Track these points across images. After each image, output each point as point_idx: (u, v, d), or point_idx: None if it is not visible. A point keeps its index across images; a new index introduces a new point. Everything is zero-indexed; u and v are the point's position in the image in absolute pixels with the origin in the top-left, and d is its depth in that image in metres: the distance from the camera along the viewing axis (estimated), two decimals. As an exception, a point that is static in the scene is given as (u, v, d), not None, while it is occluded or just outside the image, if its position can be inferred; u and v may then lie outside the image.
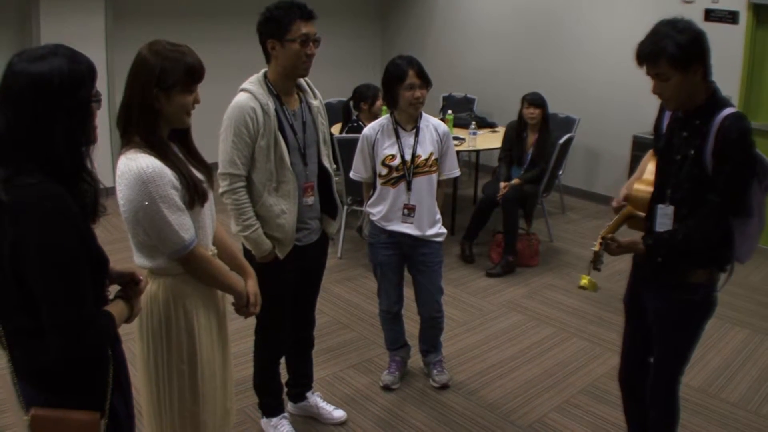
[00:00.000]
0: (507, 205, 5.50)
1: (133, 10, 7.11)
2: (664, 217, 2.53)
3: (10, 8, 6.51)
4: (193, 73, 2.13)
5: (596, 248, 2.59)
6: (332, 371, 3.98)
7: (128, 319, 1.95)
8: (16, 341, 1.75)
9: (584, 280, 2.67)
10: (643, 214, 2.64)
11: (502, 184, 5.61)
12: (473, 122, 6.46)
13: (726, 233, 2.46)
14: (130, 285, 1.98)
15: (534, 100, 5.71)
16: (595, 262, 2.61)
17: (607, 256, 2.61)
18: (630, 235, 2.62)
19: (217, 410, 2.39)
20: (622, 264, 2.83)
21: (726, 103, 2.41)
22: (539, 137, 5.73)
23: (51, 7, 6.41)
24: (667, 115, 2.63)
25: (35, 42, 6.32)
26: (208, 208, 2.29)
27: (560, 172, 6.63)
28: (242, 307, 2.45)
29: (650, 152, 2.76)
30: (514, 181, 5.61)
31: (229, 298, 2.47)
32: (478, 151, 6.60)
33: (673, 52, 2.29)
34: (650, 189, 2.63)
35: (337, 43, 8.75)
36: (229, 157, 2.81)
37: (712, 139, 2.36)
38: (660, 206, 2.55)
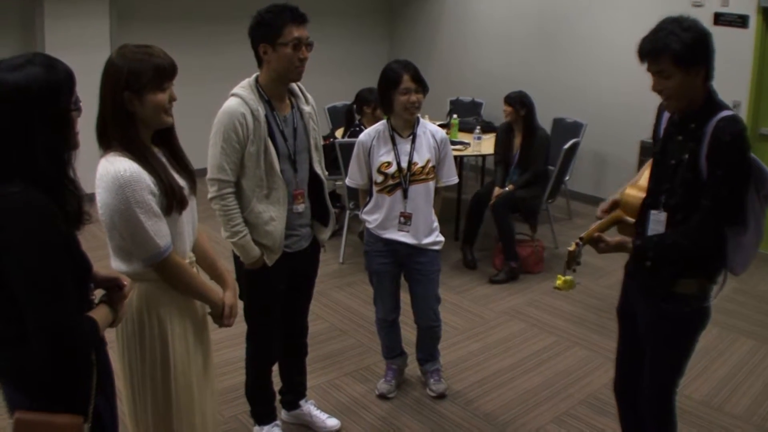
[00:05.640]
0: (497, 212, 5.46)
1: (137, 14, 7.11)
2: (657, 224, 2.47)
3: (14, 12, 6.52)
4: (162, 72, 2.10)
5: (572, 248, 2.55)
6: (328, 378, 3.93)
7: (112, 324, 1.95)
8: (1, 346, 1.76)
9: (559, 281, 2.62)
10: (632, 219, 2.59)
11: (496, 190, 5.59)
12: (478, 127, 6.40)
13: (719, 242, 2.39)
14: (115, 290, 1.98)
15: (507, 98, 5.64)
16: (570, 263, 2.57)
17: (597, 257, 2.57)
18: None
19: (195, 420, 2.35)
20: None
21: (722, 106, 2.35)
22: (524, 139, 5.65)
23: (55, 10, 6.41)
24: (664, 120, 2.58)
25: (39, 46, 6.33)
26: (188, 215, 2.26)
27: (567, 178, 6.56)
28: (218, 317, 2.43)
29: (651, 160, 2.70)
30: (508, 187, 5.57)
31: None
32: (484, 156, 6.54)
33: (676, 49, 2.24)
34: (642, 195, 2.57)
35: (344, 45, 8.73)
36: (217, 163, 2.78)
37: (706, 142, 2.30)
38: (653, 212, 2.49)
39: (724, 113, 2.32)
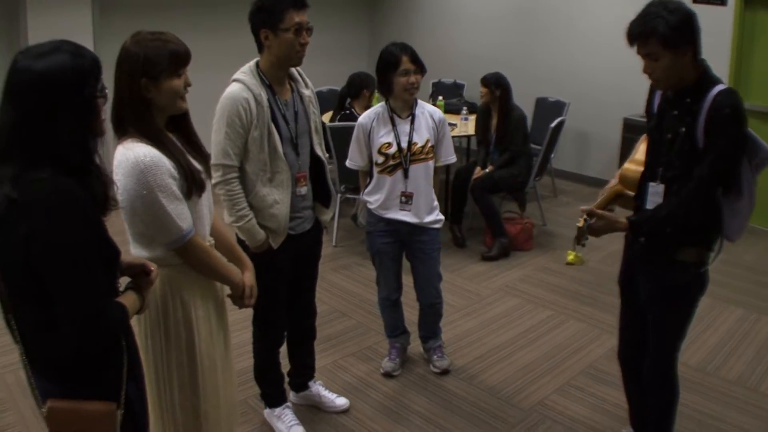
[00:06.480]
0: (475, 194, 5.58)
1: (120, 3, 7.03)
2: (655, 196, 2.55)
3: (-3, 4, 6.44)
4: (178, 58, 2.12)
5: (580, 224, 2.63)
6: (333, 359, 3.98)
7: (140, 310, 1.95)
8: (30, 335, 1.75)
9: (571, 256, 2.72)
10: (632, 193, 2.67)
11: (477, 170, 5.70)
12: (465, 108, 6.46)
13: (714, 211, 2.47)
14: (141, 276, 1.98)
15: (483, 79, 5.71)
16: (579, 238, 2.65)
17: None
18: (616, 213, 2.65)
19: (220, 402, 2.38)
20: (617, 245, 2.84)
21: (717, 80, 2.43)
22: (500, 119, 5.71)
23: (38, 2, 6.32)
24: (658, 95, 2.65)
25: (22, 36, 6.25)
26: (206, 199, 2.28)
27: (552, 156, 6.64)
28: (238, 298, 2.46)
29: (645, 135, 2.78)
30: (488, 168, 5.67)
31: (228, 289, 2.47)
32: (469, 137, 6.60)
33: (663, 32, 2.31)
34: (640, 168, 2.65)
35: (325, 31, 8.66)
36: (221, 148, 2.79)
37: (704, 115, 2.37)
38: (651, 184, 2.57)
39: (720, 87, 2.39)
